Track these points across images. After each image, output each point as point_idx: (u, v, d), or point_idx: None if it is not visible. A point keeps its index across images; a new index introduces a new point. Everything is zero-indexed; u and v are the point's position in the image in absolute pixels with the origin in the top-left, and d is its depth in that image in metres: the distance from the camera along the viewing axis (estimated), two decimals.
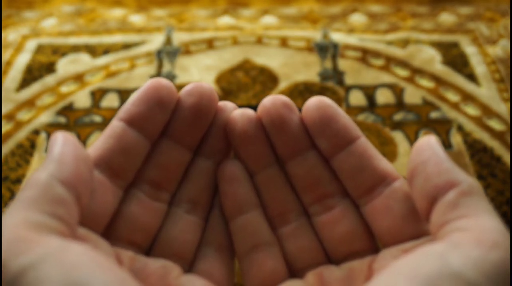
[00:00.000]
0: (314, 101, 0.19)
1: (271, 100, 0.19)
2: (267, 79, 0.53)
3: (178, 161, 0.19)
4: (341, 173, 0.19)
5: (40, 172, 0.15)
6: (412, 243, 0.17)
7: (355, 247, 0.18)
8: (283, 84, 0.52)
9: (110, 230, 0.18)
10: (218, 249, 0.19)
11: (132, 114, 0.18)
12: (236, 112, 0.19)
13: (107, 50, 0.57)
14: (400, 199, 0.17)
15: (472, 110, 0.49)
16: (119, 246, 0.18)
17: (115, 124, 0.18)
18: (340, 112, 0.18)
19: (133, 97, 0.18)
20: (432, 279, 0.13)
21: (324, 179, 0.19)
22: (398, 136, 0.46)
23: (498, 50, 0.56)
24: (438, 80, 0.52)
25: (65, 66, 0.55)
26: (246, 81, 0.53)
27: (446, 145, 0.45)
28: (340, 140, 0.18)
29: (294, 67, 0.54)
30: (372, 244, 0.19)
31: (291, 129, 0.18)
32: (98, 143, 0.18)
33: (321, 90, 0.51)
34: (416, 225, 0.17)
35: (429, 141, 0.17)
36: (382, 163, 0.18)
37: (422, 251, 0.14)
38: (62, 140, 0.16)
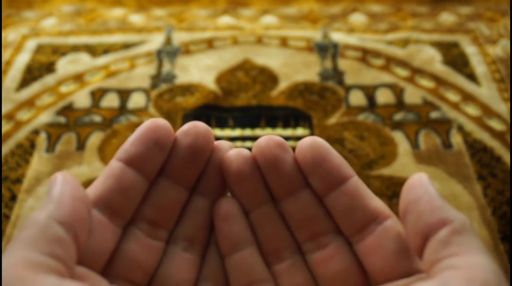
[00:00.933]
0: (307, 142, 0.19)
1: (265, 140, 0.19)
2: (267, 79, 0.53)
3: (175, 200, 0.19)
4: (334, 212, 0.19)
5: (39, 212, 0.15)
6: (404, 280, 0.17)
7: (349, 285, 0.19)
8: (283, 84, 0.52)
9: (109, 268, 0.18)
10: None
11: (131, 155, 0.18)
12: (231, 152, 0.19)
13: (107, 50, 0.57)
14: (392, 237, 0.18)
15: (472, 110, 0.49)
16: (117, 284, 0.18)
17: (114, 165, 0.18)
18: (332, 152, 0.19)
19: (131, 138, 0.19)
20: None
21: (318, 217, 0.19)
22: (398, 136, 0.46)
23: (498, 50, 0.56)
24: (438, 80, 0.52)
25: (65, 66, 0.55)
26: (246, 81, 0.53)
27: (446, 144, 0.45)
28: (332, 180, 0.19)
29: (294, 67, 0.54)
30: (365, 282, 0.19)
31: (285, 169, 0.19)
32: (97, 182, 0.18)
33: (321, 90, 0.51)
34: (408, 263, 0.17)
35: (420, 179, 0.17)
36: (374, 201, 0.19)
37: None
38: (62, 181, 0.16)
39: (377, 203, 0.19)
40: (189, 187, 0.20)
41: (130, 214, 0.19)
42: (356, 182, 0.19)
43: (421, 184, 0.17)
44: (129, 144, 0.18)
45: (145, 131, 0.18)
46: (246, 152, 0.19)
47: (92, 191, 0.18)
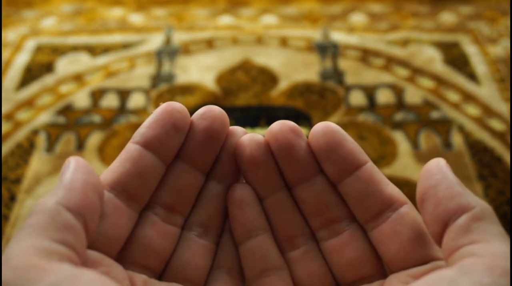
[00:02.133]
0: (321, 127, 0.19)
1: (279, 126, 0.19)
2: (267, 79, 0.53)
3: (192, 184, 0.19)
4: (348, 198, 0.19)
5: (48, 198, 0.15)
6: (420, 268, 0.17)
7: (363, 272, 0.18)
8: (283, 84, 0.52)
9: (124, 253, 0.18)
10: (229, 273, 0.19)
11: (148, 138, 0.18)
12: (244, 138, 0.19)
13: (106, 50, 0.57)
14: (407, 224, 0.18)
15: (472, 110, 0.48)
16: (132, 269, 0.18)
17: (131, 148, 0.18)
18: (346, 137, 0.19)
19: (148, 121, 0.18)
20: None
21: (332, 204, 0.19)
22: (398, 136, 0.46)
23: (498, 49, 0.56)
24: (438, 80, 0.52)
25: (65, 66, 0.55)
26: (246, 81, 0.52)
27: (447, 145, 0.45)
28: (346, 165, 0.18)
29: (294, 67, 0.54)
30: (380, 269, 0.19)
31: (298, 155, 0.19)
32: (114, 166, 0.18)
33: (321, 90, 0.51)
34: (423, 250, 0.17)
35: (438, 164, 0.17)
36: (389, 188, 0.18)
37: (433, 277, 0.14)
38: (74, 167, 0.16)
39: (393, 189, 0.18)
40: (205, 171, 0.19)
41: (147, 198, 0.18)
42: (371, 168, 0.18)
43: (439, 170, 0.17)
44: (146, 126, 0.18)
45: (162, 114, 0.18)
46: (260, 137, 0.19)
47: (109, 174, 0.18)
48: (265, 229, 0.19)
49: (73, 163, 0.16)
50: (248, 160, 0.19)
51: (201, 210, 0.19)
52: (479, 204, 0.16)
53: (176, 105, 0.18)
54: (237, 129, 0.20)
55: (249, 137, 0.19)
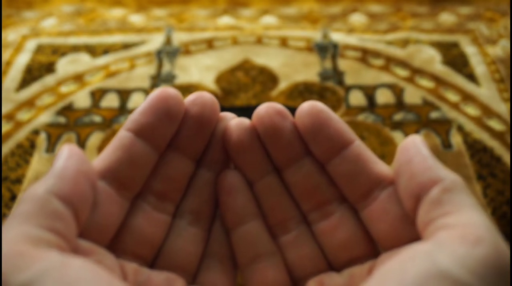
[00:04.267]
0: (306, 107, 0.19)
1: (265, 108, 0.19)
2: (267, 79, 0.53)
3: (183, 172, 0.19)
4: (337, 178, 0.18)
5: (38, 186, 0.15)
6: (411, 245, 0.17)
7: (355, 253, 0.18)
8: (283, 84, 0.52)
9: (116, 242, 0.18)
10: (221, 260, 0.19)
11: (141, 125, 0.18)
12: (232, 122, 0.19)
13: (107, 50, 0.57)
14: (397, 202, 0.17)
15: (472, 110, 0.49)
16: (123, 258, 0.17)
17: (123, 135, 0.18)
18: (333, 116, 0.18)
19: (141, 107, 0.18)
20: (420, 280, 0.13)
21: (321, 186, 0.19)
22: (398, 137, 0.46)
23: (498, 50, 0.56)
24: (438, 80, 0.52)
25: (65, 66, 0.55)
26: (246, 81, 0.53)
27: (446, 145, 0.45)
28: (333, 145, 0.18)
29: (294, 67, 0.54)
30: (372, 248, 0.18)
31: (284, 137, 0.18)
32: (106, 153, 0.18)
33: (321, 90, 0.51)
34: (414, 227, 0.17)
35: (414, 141, 0.17)
36: (378, 166, 0.18)
37: (409, 251, 0.14)
38: (67, 154, 0.16)
39: (381, 167, 0.18)
40: (195, 158, 0.19)
41: (139, 187, 0.18)
42: (359, 147, 0.18)
43: (414, 145, 0.17)
44: (139, 113, 0.18)
45: (155, 101, 0.18)
46: (247, 121, 0.19)
47: (100, 162, 0.18)
48: (256, 214, 0.19)
49: (66, 151, 0.16)
50: (236, 145, 0.18)
51: (192, 197, 0.19)
52: (449, 176, 0.16)
53: (170, 91, 0.18)
54: (227, 115, 0.19)
55: (236, 122, 0.19)
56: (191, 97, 0.19)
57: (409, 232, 0.17)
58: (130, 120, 0.18)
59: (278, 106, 0.19)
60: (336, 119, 0.18)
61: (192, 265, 0.19)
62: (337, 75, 0.53)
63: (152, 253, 0.18)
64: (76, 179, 0.15)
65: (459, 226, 0.14)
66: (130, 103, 0.50)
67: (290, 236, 0.19)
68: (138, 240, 0.18)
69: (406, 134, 0.46)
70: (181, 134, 0.19)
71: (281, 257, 0.19)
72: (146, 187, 0.19)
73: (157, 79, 0.53)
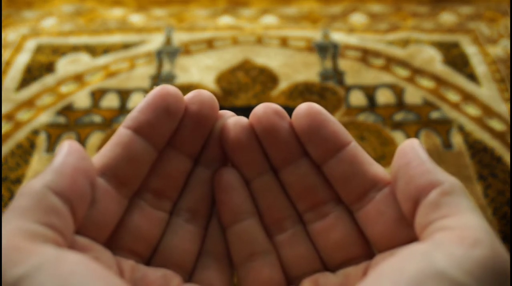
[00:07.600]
0: (303, 108, 0.19)
1: (262, 108, 0.19)
2: (267, 79, 0.53)
3: (181, 170, 0.19)
4: (333, 180, 0.19)
5: (35, 181, 0.15)
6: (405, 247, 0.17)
7: (350, 253, 0.18)
8: (283, 84, 0.52)
9: (113, 239, 0.18)
10: (218, 258, 0.19)
11: (140, 122, 0.18)
12: (229, 121, 0.19)
13: (107, 50, 0.57)
14: (392, 204, 0.17)
15: (472, 110, 0.48)
16: (120, 255, 0.18)
17: (122, 132, 0.18)
18: (329, 118, 0.18)
19: (140, 105, 0.18)
20: (417, 279, 0.13)
21: (317, 186, 0.19)
22: (398, 137, 0.46)
23: (498, 50, 0.56)
24: (438, 80, 0.52)
25: (65, 66, 0.55)
26: (246, 81, 0.52)
27: (447, 145, 0.45)
28: (330, 146, 0.18)
29: (294, 67, 0.54)
30: (367, 249, 0.19)
31: (282, 137, 0.19)
32: (105, 150, 0.18)
33: (321, 90, 0.51)
34: (409, 229, 0.17)
35: (411, 144, 0.17)
36: (373, 167, 0.18)
37: (406, 251, 0.14)
38: (67, 151, 0.16)
39: (377, 169, 0.18)
40: (193, 156, 0.19)
41: (137, 185, 0.18)
42: (355, 148, 0.18)
43: (412, 149, 0.17)
44: (138, 110, 0.18)
45: (155, 98, 0.18)
46: (244, 120, 0.19)
47: (99, 159, 0.18)
48: (252, 213, 0.19)
49: (66, 147, 0.16)
50: (233, 143, 0.18)
51: (189, 195, 0.19)
52: (448, 179, 0.16)
53: (170, 89, 0.18)
54: (225, 113, 0.19)
55: (233, 120, 0.19)
56: (189, 95, 0.19)
57: (404, 234, 0.17)
58: (129, 118, 0.18)
59: (275, 106, 0.19)
60: (333, 120, 0.18)
61: (188, 262, 0.19)
62: (337, 75, 0.53)
63: (149, 250, 0.18)
64: (74, 175, 0.15)
65: (457, 228, 0.14)
66: (130, 103, 0.50)
67: (285, 235, 0.19)
68: (135, 237, 0.18)
69: (407, 134, 0.46)
70: (179, 132, 0.19)
71: (276, 256, 0.19)
72: (144, 184, 0.19)
73: (157, 79, 0.53)
